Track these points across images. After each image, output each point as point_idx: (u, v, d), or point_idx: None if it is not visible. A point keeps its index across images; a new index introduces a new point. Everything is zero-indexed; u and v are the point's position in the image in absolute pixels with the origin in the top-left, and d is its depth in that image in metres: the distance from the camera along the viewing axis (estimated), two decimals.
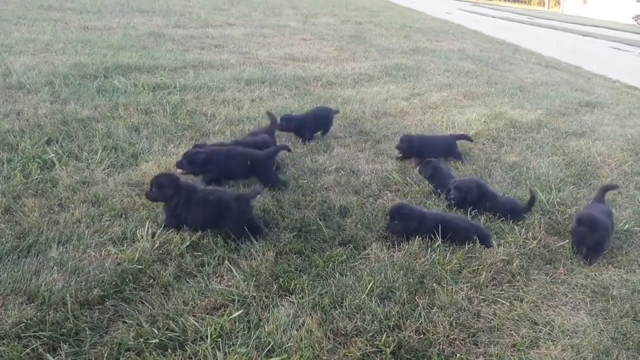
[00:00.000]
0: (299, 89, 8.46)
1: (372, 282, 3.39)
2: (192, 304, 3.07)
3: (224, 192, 4.04)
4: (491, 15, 32.66)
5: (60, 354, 2.64)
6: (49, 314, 2.84)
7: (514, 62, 14.00)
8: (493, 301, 3.48)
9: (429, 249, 3.91)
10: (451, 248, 3.98)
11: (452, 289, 3.50)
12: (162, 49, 9.87)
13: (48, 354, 2.62)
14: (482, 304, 3.44)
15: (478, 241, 4.07)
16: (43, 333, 2.72)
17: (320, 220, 4.22)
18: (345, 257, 3.71)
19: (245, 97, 7.51)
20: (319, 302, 3.20)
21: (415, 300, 3.33)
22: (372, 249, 3.87)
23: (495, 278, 3.75)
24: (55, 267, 3.22)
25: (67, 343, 2.70)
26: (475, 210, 4.61)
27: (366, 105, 7.88)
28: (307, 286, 3.34)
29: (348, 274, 3.53)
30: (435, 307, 3.30)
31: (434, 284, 3.53)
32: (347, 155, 5.76)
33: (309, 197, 4.61)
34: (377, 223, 4.27)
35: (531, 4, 59.21)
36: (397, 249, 3.91)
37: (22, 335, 2.70)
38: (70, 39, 9.64)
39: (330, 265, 3.61)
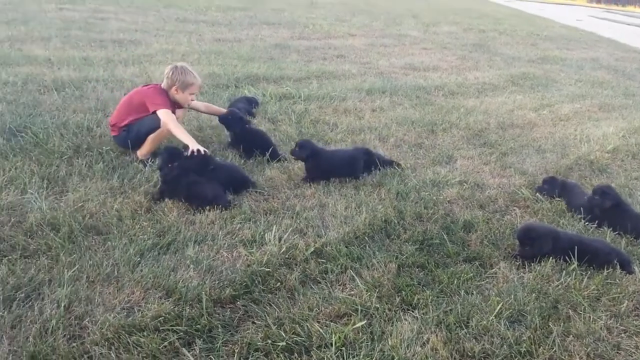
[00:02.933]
0: (420, 98, 8.36)
1: (500, 304, 3.23)
2: (316, 310, 3.12)
3: None
4: (626, 23, 30.09)
5: (194, 349, 2.78)
6: (185, 310, 3.01)
7: None
8: (635, 333, 3.17)
9: (564, 271, 3.65)
10: (588, 272, 3.69)
11: (589, 316, 3.24)
12: (287, 60, 10.24)
13: (184, 348, 2.78)
14: (622, 335, 3.15)
15: (618, 266, 3.75)
16: (179, 328, 2.89)
17: (444, 234, 4.12)
18: (471, 274, 3.58)
19: (366, 107, 7.56)
20: (443, 319, 3.11)
21: (549, 326, 3.13)
22: (499, 268, 3.69)
23: (638, 308, 3.42)
24: (191, 265, 3.43)
25: (201, 339, 2.85)
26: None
27: (491, 116, 7.60)
28: (430, 302, 3.26)
29: (474, 292, 3.40)
30: (571, 336, 3.07)
31: (569, 310, 3.29)
32: (471, 167, 5.58)
33: (431, 209, 4.51)
34: (505, 240, 4.08)
35: None
36: (527, 269, 3.70)
37: (160, 328, 2.88)
38: (204, 50, 10.31)
39: (455, 282, 3.49)
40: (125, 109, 5.09)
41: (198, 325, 2.92)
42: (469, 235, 4.17)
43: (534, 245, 3.78)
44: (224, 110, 5.71)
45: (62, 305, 2.93)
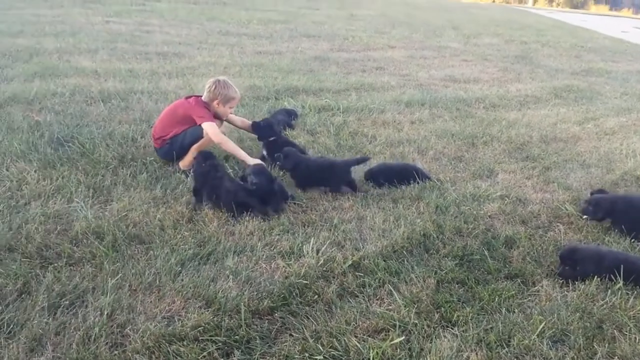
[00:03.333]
0: (460, 111, 8.29)
1: (543, 323, 3.15)
2: (354, 325, 3.10)
3: None
4: None
5: None
6: (224, 320, 3.04)
7: None
8: None
9: (609, 290, 3.54)
10: (635, 292, 3.56)
11: (635, 338, 3.12)
12: (326, 72, 10.30)
13: (222, 359, 2.81)
14: None
15: None
16: (218, 338, 2.91)
17: (484, 249, 4.04)
18: (512, 292, 3.50)
19: (405, 119, 7.53)
20: (484, 337, 3.05)
21: (593, 346, 3.02)
22: (542, 286, 3.60)
23: None
24: (230, 276, 3.47)
25: (240, 350, 2.87)
26: None
27: (533, 129, 7.46)
28: (471, 319, 3.20)
29: (516, 310, 3.32)
30: (616, 357, 2.97)
31: (615, 331, 3.18)
32: (513, 182, 5.47)
33: (472, 224, 4.45)
34: (548, 257, 3.98)
35: None
36: (571, 288, 3.60)
37: (200, 338, 2.91)
38: (246, 62, 10.47)
39: (496, 299, 3.42)
40: (169, 121, 5.21)
41: (236, 336, 2.94)
42: (511, 251, 4.08)
43: (576, 266, 3.68)
44: None
45: (105, 313, 3.01)
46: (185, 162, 5.13)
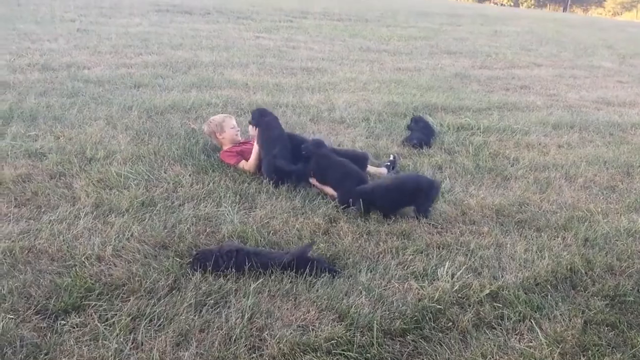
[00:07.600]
0: (614, 136, 7.66)
1: None
2: (490, 358, 2.97)
3: None
4: None
5: None
6: (356, 336, 3.06)
7: None
8: None
9: None
10: None
11: None
12: (467, 90, 10.04)
13: None
14: None
15: None
16: (350, 354, 2.93)
17: (639, 291, 3.67)
18: None
19: (551, 142, 7.11)
20: None
21: None
22: None
23: None
24: (363, 292, 3.48)
25: None
26: None
27: None
28: None
29: None
30: None
31: None
32: None
33: (625, 262, 4.06)
34: None
35: None
36: None
37: (332, 351, 2.95)
38: (385, 78, 10.54)
39: None
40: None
41: (368, 354, 2.94)
42: None
43: None
44: None
45: (246, 315, 3.16)
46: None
